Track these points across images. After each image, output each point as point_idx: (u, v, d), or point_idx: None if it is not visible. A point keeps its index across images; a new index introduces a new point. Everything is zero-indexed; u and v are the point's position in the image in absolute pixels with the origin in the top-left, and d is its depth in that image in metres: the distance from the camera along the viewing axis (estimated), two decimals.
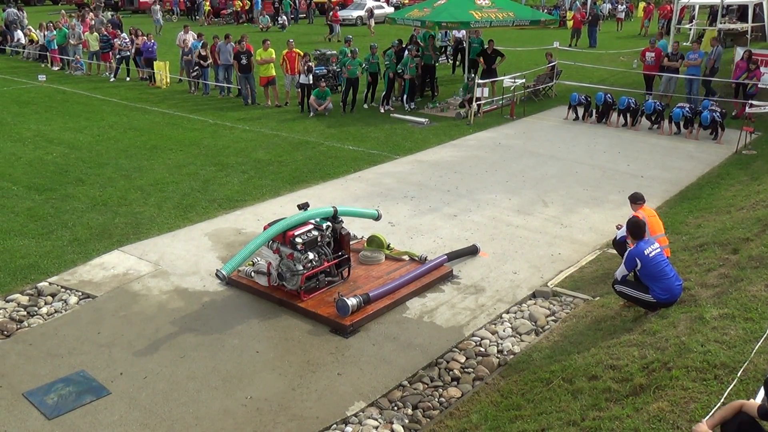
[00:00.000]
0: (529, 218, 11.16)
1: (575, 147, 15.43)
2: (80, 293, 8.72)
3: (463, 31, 22.58)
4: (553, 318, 8.22)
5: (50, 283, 8.95)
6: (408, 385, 7.01)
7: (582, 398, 5.93)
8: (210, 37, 22.24)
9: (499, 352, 7.55)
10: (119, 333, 7.86)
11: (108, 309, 8.37)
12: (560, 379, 6.43)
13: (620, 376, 6.01)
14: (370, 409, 6.65)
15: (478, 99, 18.17)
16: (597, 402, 5.76)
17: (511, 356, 7.43)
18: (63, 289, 8.81)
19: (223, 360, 7.36)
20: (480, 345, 7.68)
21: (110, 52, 24.73)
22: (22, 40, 29.96)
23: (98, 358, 7.36)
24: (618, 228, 8.79)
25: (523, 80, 20.14)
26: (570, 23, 34.93)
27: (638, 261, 7.22)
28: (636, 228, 7.48)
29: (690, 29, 31.47)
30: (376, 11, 38.80)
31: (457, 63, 25.07)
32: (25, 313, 8.26)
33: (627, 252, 7.46)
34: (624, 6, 43.44)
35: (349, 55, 19.25)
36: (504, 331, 7.95)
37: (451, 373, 7.19)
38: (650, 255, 7.22)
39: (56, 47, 26.58)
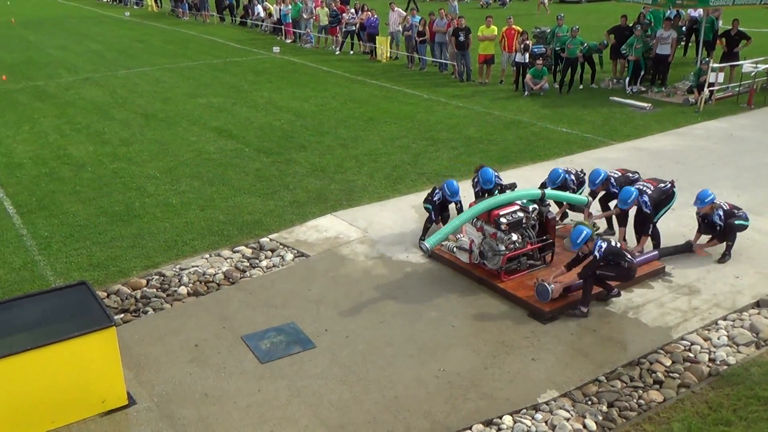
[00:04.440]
0: (760, 219, 10.08)
1: None
2: (296, 251, 9.41)
3: (700, 10, 20.78)
4: None
5: (270, 240, 9.75)
6: (605, 381, 6.72)
7: None
8: (426, 13, 22.57)
9: (711, 360, 6.97)
10: (327, 292, 8.37)
11: (319, 269, 8.94)
12: None
13: None
14: (563, 399, 6.48)
15: (711, 84, 16.67)
16: None
17: (725, 367, 6.83)
18: (281, 246, 9.56)
19: (419, 330, 7.57)
20: (689, 350, 7.14)
21: (337, 27, 26.10)
22: (261, 14, 32.56)
23: (307, 313, 7.92)
24: None
25: (767, 66, 18.15)
26: None
27: None
28: None
29: None
30: None
31: (690, 44, 23.19)
32: (248, 264, 9.09)
33: None
34: None
35: (569, 33, 18.55)
36: (719, 338, 7.31)
37: (653, 375, 6.78)
38: None
39: (290, 21, 28.59)
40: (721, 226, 8.84)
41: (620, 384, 6.67)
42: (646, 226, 8.87)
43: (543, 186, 9.64)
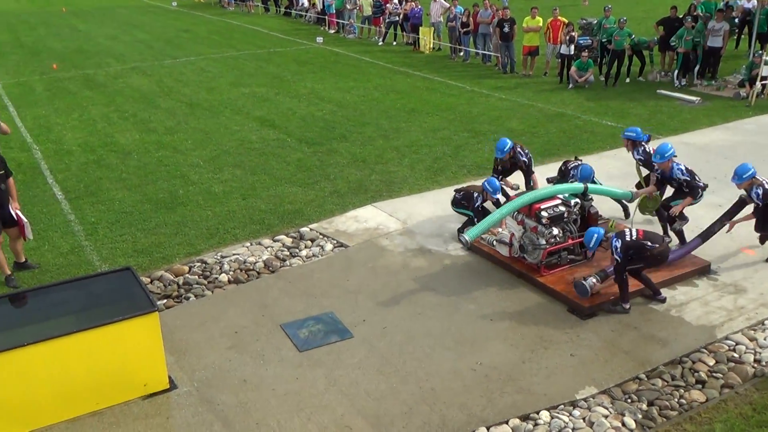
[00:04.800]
0: None
1: None
2: (335, 241, 9.46)
3: (753, 1, 20.18)
4: None
5: (311, 229, 9.82)
6: (645, 379, 6.62)
7: None
8: (470, 4, 22.37)
9: (756, 361, 6.80)
10: (366, 282, 8.40)
11: (358, 259, 8.98)
12: None
13: None
14: (601, 396, 6.41)
15: (763, 78, 16.19)
16: None
17: None
18: (321, 236, 9.62)
19: (457, 322, 7.55)
20: (734, 350, 6.98)
21: (381, 17, 26.07)
22: (305, 5, 32.71)
23: (345, 303, 7.96)
24: None
25: None
26: None
27: None
28: None
29: None
30: None
31: (742, 36, 22.53)
32: (288, 253, 9.18)
33: None
34: None
35: (617, 25, 18.20)
36: (765, 339, 7.13)
37: (696, 374, 6.65)
38: None
39: (334, 11, 28.66)
40: (758, 205, 8.40)
41: (661, 382, 6.56)
42: (693, 190, 8.57)
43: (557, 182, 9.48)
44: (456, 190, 9.60)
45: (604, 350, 7.02)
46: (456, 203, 9.47)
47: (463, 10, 21.87)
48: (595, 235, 7.72)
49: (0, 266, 8.40)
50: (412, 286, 8.31)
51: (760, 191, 8.30)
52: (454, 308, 7.83)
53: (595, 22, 20.40)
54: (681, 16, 18.74)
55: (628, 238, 7.52)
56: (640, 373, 6.68)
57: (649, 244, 7.54)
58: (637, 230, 7.64)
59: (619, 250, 7.43)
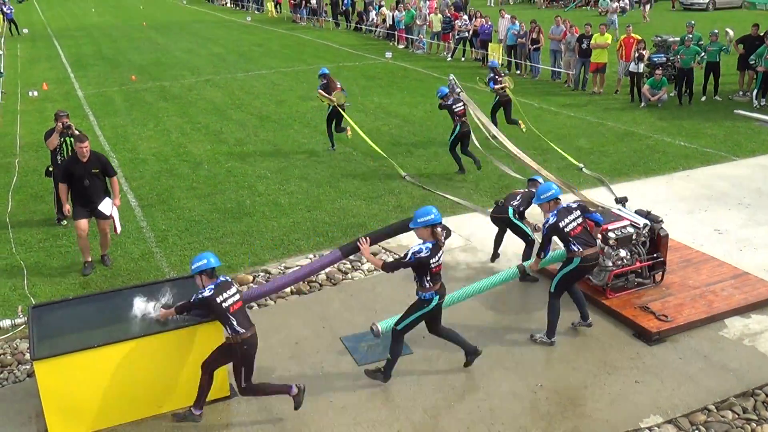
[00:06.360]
0: None
1: None
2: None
3: None
4: None
5: None
6: (714, 410, 6.37)
7: None
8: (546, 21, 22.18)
9: None
10: None
11: None
12: None
13: None
14: (667, 426, 6.19)
15: None
16: None
17: None
18: (383, 251, 9.64)
19: (518, 343, 7.44)
20: None
21: (450, 33, 26.10)
22: (375, 20, 33.05)
23: None
24: None
25: None
26: None
27: None
28: None
29: None
30: None
31: None
32: (350, 266, 9.23)
33: None
34: None
35: (684, 43, 17.71)
36: None
37: None
38: None
39: (403, 27, 28.87)
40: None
41: (731, 415, 6.30)
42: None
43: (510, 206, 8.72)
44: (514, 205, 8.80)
45: (670, 378, 6.78)
46: (522, 216, 8.78)
47: (528, 30, 21.69)
48: (552, 191, 7.12)
49: (82, 251, 9.01)
50: (472, 304, 8.21)
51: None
52: (516, 328, 7.71)
53: (672, 39, 19.88)
54: (762, 34, 18.07)
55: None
56: (708, 404, 6.43)
57: None
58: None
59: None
